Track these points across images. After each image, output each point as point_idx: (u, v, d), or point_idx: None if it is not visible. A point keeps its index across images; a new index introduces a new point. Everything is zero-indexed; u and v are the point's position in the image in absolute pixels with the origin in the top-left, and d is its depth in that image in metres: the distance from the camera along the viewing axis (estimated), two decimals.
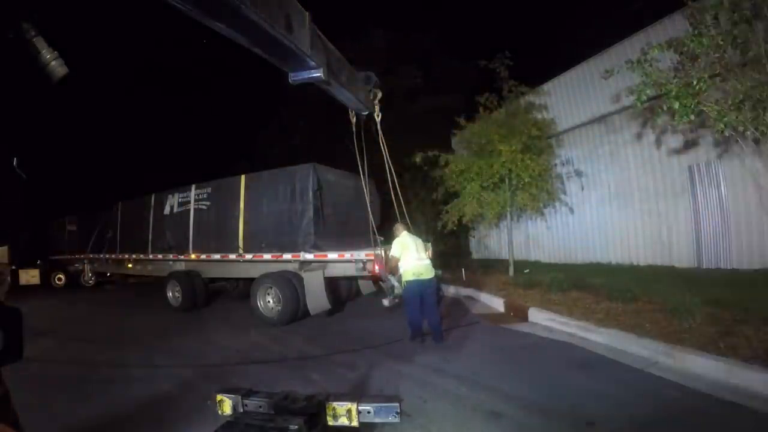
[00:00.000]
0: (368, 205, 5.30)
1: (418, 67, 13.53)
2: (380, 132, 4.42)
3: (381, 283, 5.81)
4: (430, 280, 4.82)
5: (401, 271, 4.86)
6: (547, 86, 9.25)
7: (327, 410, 1.01)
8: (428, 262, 4.94)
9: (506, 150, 7.43)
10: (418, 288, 4.74)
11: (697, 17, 4.33)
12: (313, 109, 13.49)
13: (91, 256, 11.87)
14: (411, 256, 4.83)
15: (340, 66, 2.79)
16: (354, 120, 4.12)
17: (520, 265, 8.74)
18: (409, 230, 5.22)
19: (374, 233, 5.35)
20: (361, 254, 5.89)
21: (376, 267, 5.72)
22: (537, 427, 2.79)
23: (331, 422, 1.01)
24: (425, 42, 14.39)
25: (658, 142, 7.29)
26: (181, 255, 8.29)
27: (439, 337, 4.81)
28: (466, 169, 8.08)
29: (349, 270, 6.13)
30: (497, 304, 6.46)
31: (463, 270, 8.38)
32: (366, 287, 7.71)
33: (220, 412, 1.09)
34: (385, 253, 5.61)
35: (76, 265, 12.95)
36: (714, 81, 4.13)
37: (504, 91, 8.14)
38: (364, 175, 4.68)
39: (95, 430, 3.14)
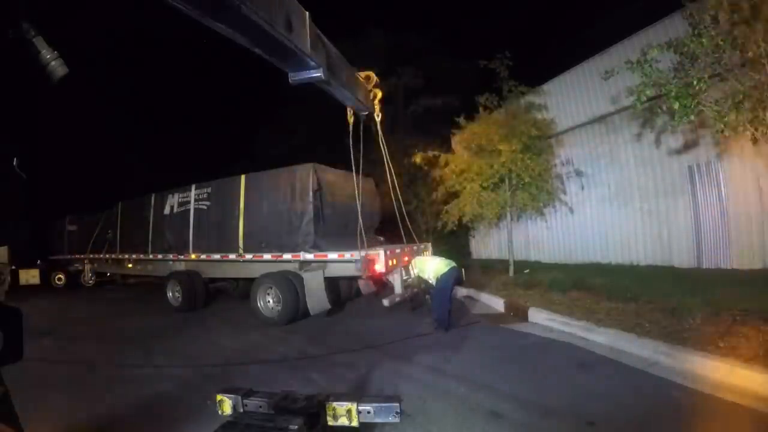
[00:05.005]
0: (359, 206, 5.26)
1: (418, 67, 13.52)
2: (380, 132, 4.43)
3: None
4: (456, 268, 5.55)
5: (435, 270, 5.46)
6: (547, 86, 9.25)
7: (327, 410, 1.01)
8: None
9: (506, 150, 7.43)
10: (453, 274, 5.42)
11: (696, 18, 4.33)
12: (313, 109, 13.49)
13: (91, 256, 11.87)
14: (435, 260, 5.79)
15: (340, 66, 2.79)
16: (352, 119, 4.12)
17: (520, 265, 8.73)
18: None
19: (361, 235, 5.41)
20: (361, 254, 5.89)
21: (377, 266, 5.73)
22: (537, 427, 2.79)
23: (331, 422, 1.01)
24: (425, 42, 14.38)
25: (658, 142, 7.28)
26: (181, 255, 8.28)
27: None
28: (466, 169, 8.08)
29: (349, 270, 6.12)
30: (497, 304, 6.46)
31: (462, 270, 8.38)
32: (366, 287, 7.71)
33: (220, 412, 1.09)
34: (369, 255, 5.86)
35: (76, 265, 12.94)
36: (714, 81, 4.13)
37: (504, 91, 8.13)
38: (357, 173, 4.69)
39: (95, 430, 3.14)
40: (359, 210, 5.17)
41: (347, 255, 6.07)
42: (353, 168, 4.70)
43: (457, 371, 3.86)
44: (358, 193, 5.03)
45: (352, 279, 7.21)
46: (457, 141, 9.65)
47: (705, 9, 4.21)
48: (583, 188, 8.96)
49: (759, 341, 3.47)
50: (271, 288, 6.43)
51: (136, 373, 4.40)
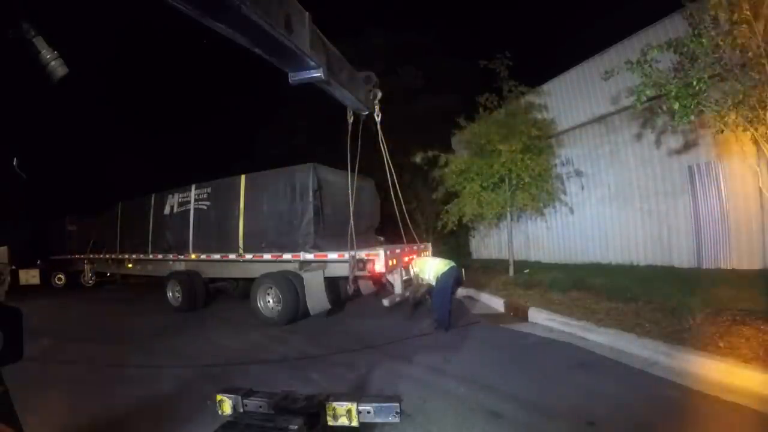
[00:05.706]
0: (351, 206, 5.21)
1: (418, 67, 13.54)
2: (380, 132, 4.43)
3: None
4: (455, 268, 5.60)
5: (435, 270, 5.50)
6: (547, 86, 9.24)
7: (327, 410, 1.01)
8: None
9: (506, 150, 7.43)
10: (452, 274, 5.45)
11: (696, 18, 4.33)
12: (313, 109, 13.51)
13: (91, 256, 11.87)
14: (435, 260, 5.88)
15: (340, 66, 2.78)
16: (351, 120, 4.10)
17: (520, 265, 8.74)
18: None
19: (352, 237, 5.34)
20: (361, 254, 5.89)
21: (377, 266, 5.72)
22: (537, 427, 2.79)
23: (331, 422, 1.01)
24: (425, 42, 14.39)
25: (658, 142, 7.29)
26: (181, 255, 8.29)
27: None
28: (466, 169, 8.08)
29: (349, 270, 6.12)
30: (497, 304, 6.46)
31: (462, 270, 8.38)
32: (366, 287, 7.71)
33: (220, 412, 1.10)
34: (369, 255, 5.87)
35: (76, 265, 12.95)
36: (714, 81, 4.13)
37: (504, 91, 8.13)
38: (353, 173, 4.68)
39: (95, 430, 3.14)
40: (351, 210, 5.17)
41: (347, 255, 6.06)
42: (348, 167, 4.70)
43: (457, 371, 3.86)
44: (352, 192, 5.02)
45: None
46: (457, 141, 9.65)
47: (705, 9, 4.21)
48: (583, 188, 8.96)
49: (759, 341, 3.47)
50: (271, 288, 6.43)
51: (136, 373, 4.40)
